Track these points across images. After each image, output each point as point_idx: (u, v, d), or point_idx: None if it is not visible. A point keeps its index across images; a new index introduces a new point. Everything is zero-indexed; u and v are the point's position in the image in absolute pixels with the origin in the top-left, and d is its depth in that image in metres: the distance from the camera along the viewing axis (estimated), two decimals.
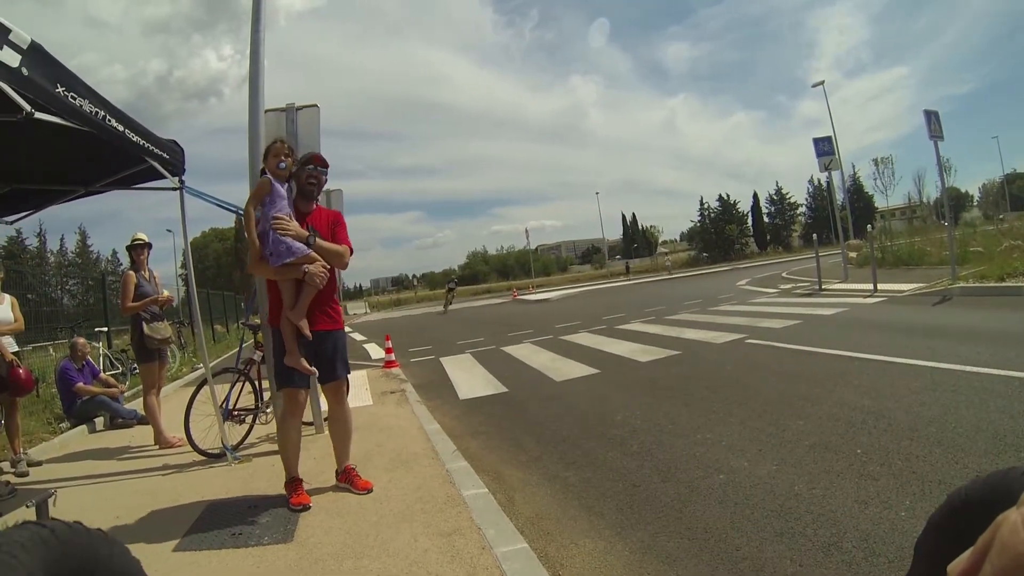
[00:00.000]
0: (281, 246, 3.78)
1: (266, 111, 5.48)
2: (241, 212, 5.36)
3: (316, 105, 5.93)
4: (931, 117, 12.69)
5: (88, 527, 1.44)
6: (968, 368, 5.44)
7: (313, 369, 3.93)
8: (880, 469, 3.53)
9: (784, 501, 3.30)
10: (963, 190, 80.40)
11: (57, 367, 7.61)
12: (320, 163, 4.14)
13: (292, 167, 4.03)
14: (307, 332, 3.86)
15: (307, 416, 5.86)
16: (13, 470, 5.39)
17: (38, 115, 3.24)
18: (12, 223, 6.12)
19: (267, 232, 3.80)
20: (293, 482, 4.01)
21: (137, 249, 6.33)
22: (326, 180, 4.24)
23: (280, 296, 3.93)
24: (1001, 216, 38.34)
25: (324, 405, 4.86)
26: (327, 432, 4.55)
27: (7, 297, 5.84)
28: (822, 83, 23.09)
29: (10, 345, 5.67)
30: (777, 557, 2.72)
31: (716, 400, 5.63)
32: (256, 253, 3.82)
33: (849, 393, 5.23)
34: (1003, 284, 10.75)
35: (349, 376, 4.62)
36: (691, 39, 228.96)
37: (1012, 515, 0.63)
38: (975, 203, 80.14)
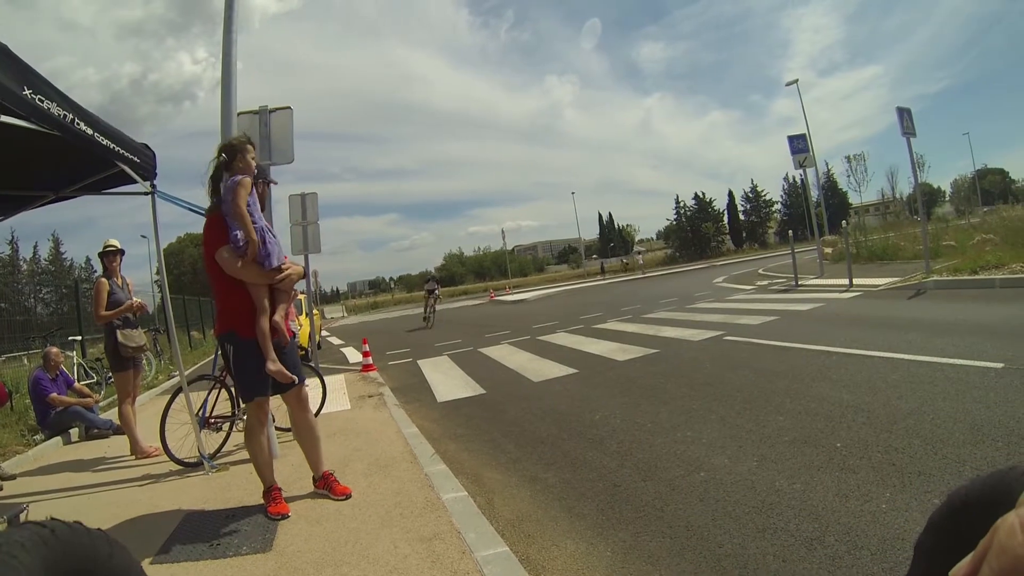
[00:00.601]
0: (275, 247, 3.78)
1: (239, 113, 5.42)
2: None
3: (289, 107, 5.89)
4: (904, 114, 12.86)
5: (88, 527, 1.41)
6: (944, 360, 5.50)
7: (293, 376, 3.86)
8: (860, 462, 3.55)
9: (765, 497, 3.31)
10: (935, 186, 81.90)
11: (30, 377, 7.47)
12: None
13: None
14: (287, 338, 3.83)
15: (284, 422, 5.82)
16: None
17: (4, 118, 3.17)
18: None
19: (266, 237, 3.78)
20: (270, 491, 3.95)
21: (109, 256, 6.23)
22: None
23: (243, 301, 3.79)
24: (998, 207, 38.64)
25: None
26: None
27: None
28: (795, 82, 23.36)
29: None
30: (760, 553, 2.72)
31: (695, 398, 5.64)
32: (254, 254, 3.72)
33: (827, 388, 5.27)
34: (976, 277, 10.91)
35: (325, 380, 4.57)
36: (666, 39, 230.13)
37: (1010, 517, 0.63)
38: (947, 198, 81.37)
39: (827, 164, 76.20)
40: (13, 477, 5.62)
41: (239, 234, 3.69)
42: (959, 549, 0.71)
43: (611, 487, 3.83)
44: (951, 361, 5.43)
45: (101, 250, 6.27)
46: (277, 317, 3.80)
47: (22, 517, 2.91)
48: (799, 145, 17.74)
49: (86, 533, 1.39)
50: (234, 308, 3.85)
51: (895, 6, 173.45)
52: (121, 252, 6.38)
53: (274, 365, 3.77)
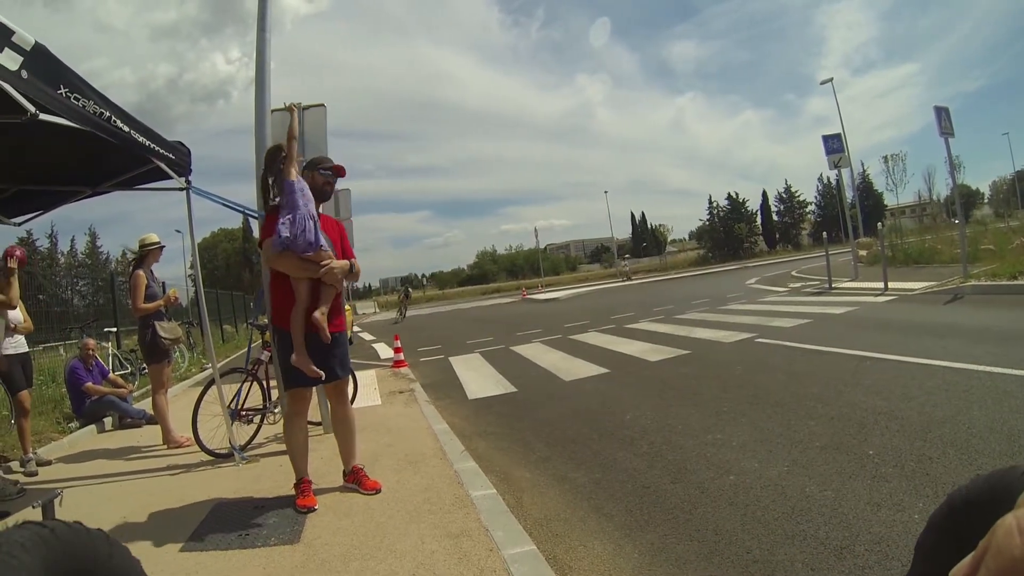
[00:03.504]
0: (311, 235, 3.76)
1: (272, 111, 5.48)
2: (251, 212, 5.38)
3: (323, 105, 5.94)
4: (941, 114, 12.60)
5: (88, 527, 1.43)
6: (981, 368, 5.38)
7: (320, 372, 3.85)
8: (892, 471, 3.49)
9: (795, 503, 3.27)
10: (974, 187, 79.92)
11: (66, 367, 7.64)
12: (341, 173, 4.18)
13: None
14: (327, 335, 3.83)
15: (315, 416, 5.87)
16: (23, 469, 5.41)
17: (43, 116, 3.24)
18: (20, 224, 6.12)
19: (295, 217, 3.77)
20: (301, 483, 3.99)
21: (154, 252, 6.37)
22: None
23: (287, 296, 3.86)
24: None
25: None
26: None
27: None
28: (830, 80, 23.16)
29: (20, 345, 5.72)
30: (788, 560, 2.69)
31: (726, 400, 5.59)
32: (291, 159, 3.93)
33: (860, 393, 5.18)
34: (1015, 282, 10.63)
35: (357, 375, 4.59)
36: (698, 37, 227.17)
37: (1008, 519, 0.63)
38: (986, 200, 79.65)
39: (863, 164, 75.13)
40: (48, 463, 5.76)
41: (282, 226, 3.73)
42: (959, 549, 0.72)
43: (640, 488, 3.81)
44: (988, 369, 5.31)
45: (146, 245, 6.36)
46: (317, 314, 3.80)
47: (56, 503, 2.98)
48: (834, 145, 17.47)
49: (86, 533, 1.42)
50: (276, 300, 4.01)
51: (930, 2, 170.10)
52: (162, 247, 6.51)
53: (298, 358, 3.80)
